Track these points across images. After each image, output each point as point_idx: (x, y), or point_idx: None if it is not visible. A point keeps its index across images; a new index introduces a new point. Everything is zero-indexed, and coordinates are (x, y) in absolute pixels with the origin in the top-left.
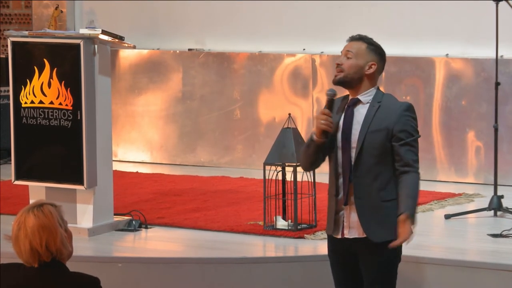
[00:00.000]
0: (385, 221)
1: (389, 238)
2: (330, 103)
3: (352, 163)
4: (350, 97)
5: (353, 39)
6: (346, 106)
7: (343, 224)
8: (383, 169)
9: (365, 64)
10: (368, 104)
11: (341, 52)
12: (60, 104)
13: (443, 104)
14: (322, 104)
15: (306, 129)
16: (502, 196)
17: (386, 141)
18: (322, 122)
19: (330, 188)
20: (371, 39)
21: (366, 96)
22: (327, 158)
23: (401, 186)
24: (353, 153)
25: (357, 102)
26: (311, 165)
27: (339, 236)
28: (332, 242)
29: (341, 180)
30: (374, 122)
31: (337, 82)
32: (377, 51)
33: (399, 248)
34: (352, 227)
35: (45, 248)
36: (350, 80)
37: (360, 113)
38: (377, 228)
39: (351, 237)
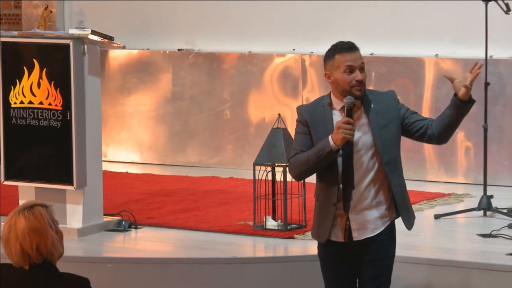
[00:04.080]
0: (410, 208)
1: (413, 222)
2: (350, 112)
3: (355, 167)
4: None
5: (353, 48)
6: (345, 113)
7: (347, 228)
8: (399, 158)
9: None
10: (362, 107)
11: (352, 65)
12: (50, 104)
13: (433, 104)
14: None
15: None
16: (491, 196)
17: (398, 129)
18: (348, 132)
19: (329, 196)
20: None
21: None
22: None
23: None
24: (355, 157)
25: (353, 107)
26: (308, 175)
27: (340, 240)
28: (328, 246)
29: (341, 186)
30: (380, 118)
31: (362, 98)
32: None
33: (395, 244)
34: (361, 229)
35: (36, 251)
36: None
37: (357, 116)
38: (408, 216)
39: (362, 238)
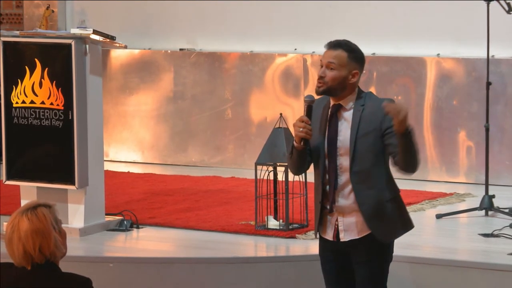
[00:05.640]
0: (390, 220)
1: (396, 236)
2: (309, 110)
3: (338, 171)
4: (332, 103)
5: (332, 46)
6: (329, 113)
7: (336, 228)
8: (380, 169)
9: (348, 74)
10: (352, 109)
11: (321, 61)
12: (52, 104)
13: (434, 104)
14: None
15: None
16: (493, 196)
17: (377, 141)
18: (300, 130)
19: (317, 195)
20: (350, 44)
21: (348, 101)
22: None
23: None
24: (339, 161)
25: (339, 108)
26: (298, 170)
27: (330, 239)
28: (324, 243)
29: (328, 187)
30: (362, 126)
31: (321, 93)
32: (358, 57)
33: (391, 248)
34: (347, 230)
35: (39, 252)
36: (334, 91)
37: (345, 119)
38: (385, 228)
39: (347, 239)
